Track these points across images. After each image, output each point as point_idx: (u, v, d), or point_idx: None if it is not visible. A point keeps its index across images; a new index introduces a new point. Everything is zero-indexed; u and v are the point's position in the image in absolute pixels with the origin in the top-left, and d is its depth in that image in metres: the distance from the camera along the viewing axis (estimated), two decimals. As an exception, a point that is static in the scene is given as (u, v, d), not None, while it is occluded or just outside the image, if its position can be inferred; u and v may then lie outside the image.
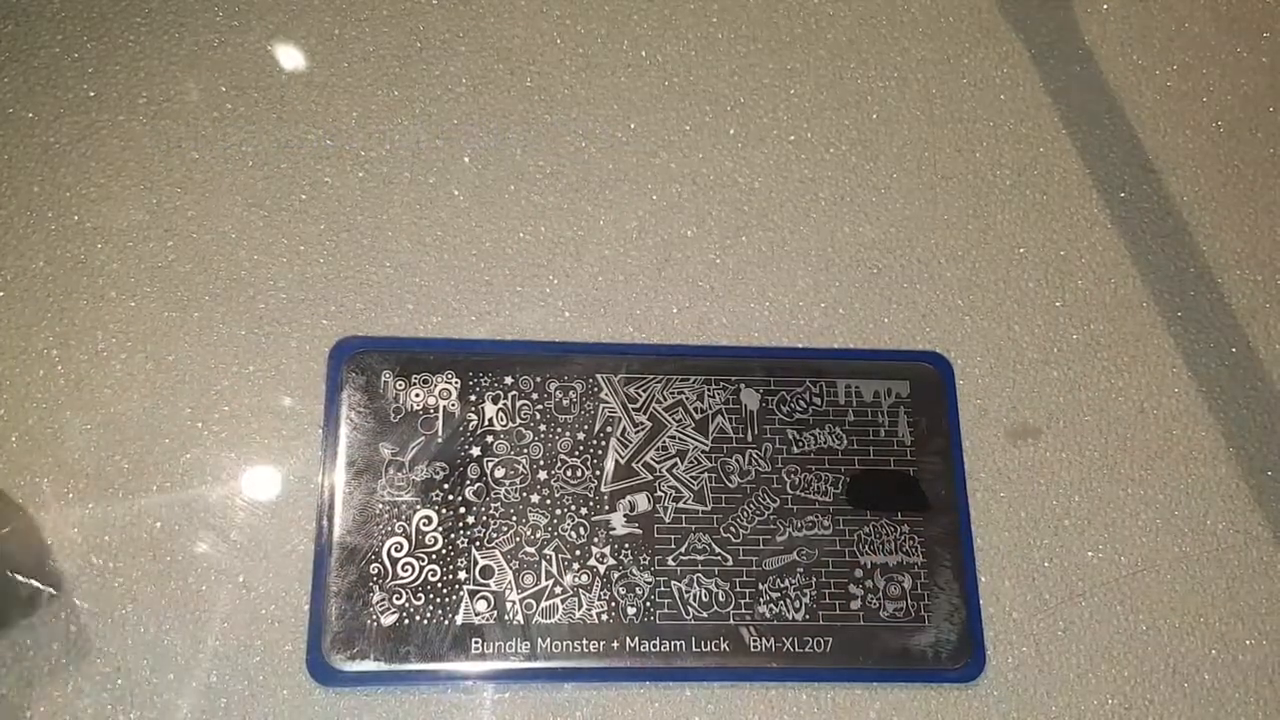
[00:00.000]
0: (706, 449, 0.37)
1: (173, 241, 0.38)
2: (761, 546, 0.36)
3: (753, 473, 0.37)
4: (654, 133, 0.41)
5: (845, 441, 0.38)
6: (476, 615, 0.35)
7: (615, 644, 0.35)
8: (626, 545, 0.36)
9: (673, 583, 0.36)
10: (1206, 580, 0.39)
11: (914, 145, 0.42)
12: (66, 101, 0.39)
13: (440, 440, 0.36)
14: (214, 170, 0.39)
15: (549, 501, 0.36)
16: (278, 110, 0.40)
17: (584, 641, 0.35)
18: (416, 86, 0.41)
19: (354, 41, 0.41)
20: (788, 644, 0.36)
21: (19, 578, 0.34)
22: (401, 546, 0.35)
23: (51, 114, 0.39)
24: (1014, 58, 0.44)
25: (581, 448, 0.37)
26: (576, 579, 0.36)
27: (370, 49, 0.41)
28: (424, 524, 0.35)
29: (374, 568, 0.35)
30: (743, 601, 0.36)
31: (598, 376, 0.38)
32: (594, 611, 0.35)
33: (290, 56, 0.41)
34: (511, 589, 0.35)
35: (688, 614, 0.36)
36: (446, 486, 0.36)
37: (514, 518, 0.36)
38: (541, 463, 0.36)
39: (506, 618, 0.35)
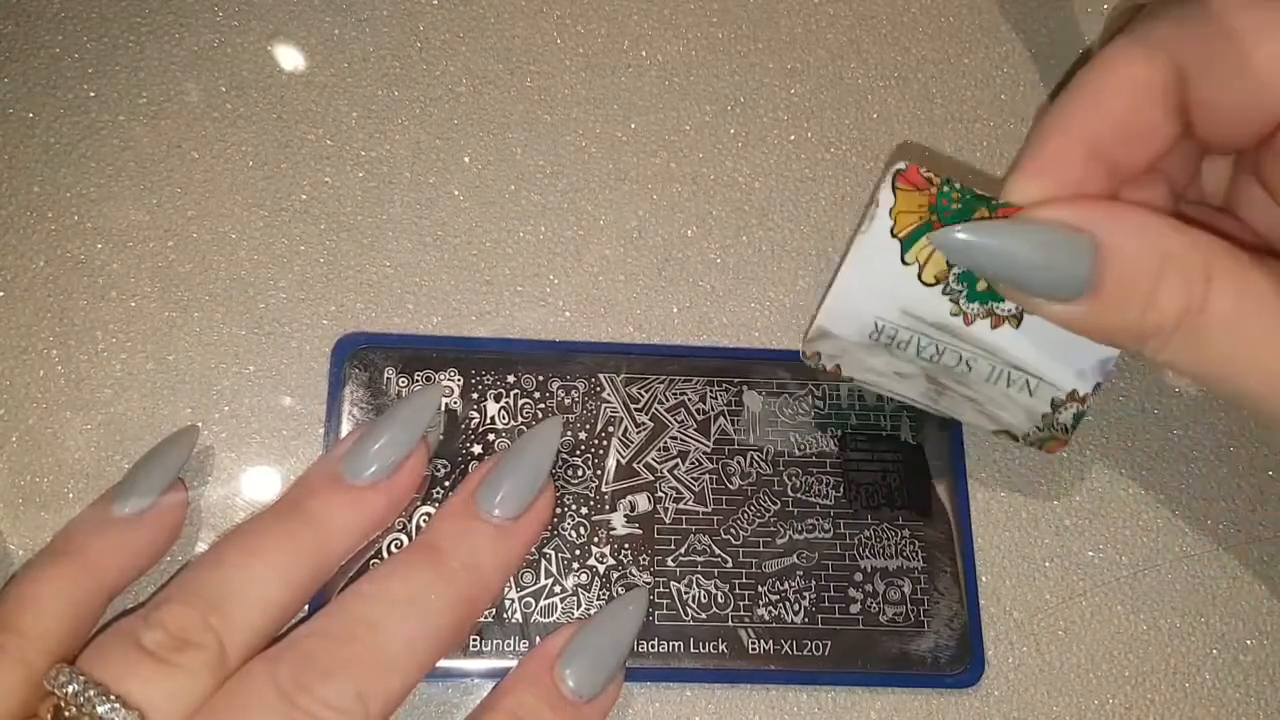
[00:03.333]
0: (708, 450, 0.37)
1: (173, 241, 0.38)
2: (761, 549, 0.36)
3: (754, 475, 0.37)
4: (654, 133, 0.41)
5: (846, 444, 0.38)
6: (478, 615, 0.35)
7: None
8: (626, 545, 0.36)
9: (672, 584, 0.36)
10: (1206, 580, 0.38)
11: (914, 145, 0.42)
12: (66, 101, 0.39)
13: (442, 437, 0.36)
14: (214, 170, 0.39)
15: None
16: (278, 110, 0.40)
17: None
18: (417, 86, 0.41)
19: (354, 41, 0.41)
20: (786, 646, 0.36)
21: None
22: (402, 544, 0.35)
23: (51, 114, 0.39)
24: (1014, 58, 0.44)
25: (583, 447, 0.37)
26: (576, 579, 0.36)
27: (370, 49, 0.41)
28: (424, 521, 0.35)
29: (376, 565, 0.35)
30: (742, 604, 0.36)
31: (600, 376, 0.38)
32: (593, 611, 0.35)
33: (290, 56, 0.41)
34: (510, 587, 0.35)
35: (687, 615, 0.36)
36: (448, 484, 0.36)
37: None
38: (551, 468, 0.36)
39: (505, 616, 0.35)
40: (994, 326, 0.33)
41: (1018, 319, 0.33)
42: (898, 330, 0.33)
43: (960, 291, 0.33)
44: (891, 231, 0.32)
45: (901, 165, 0.31)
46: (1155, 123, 0.30)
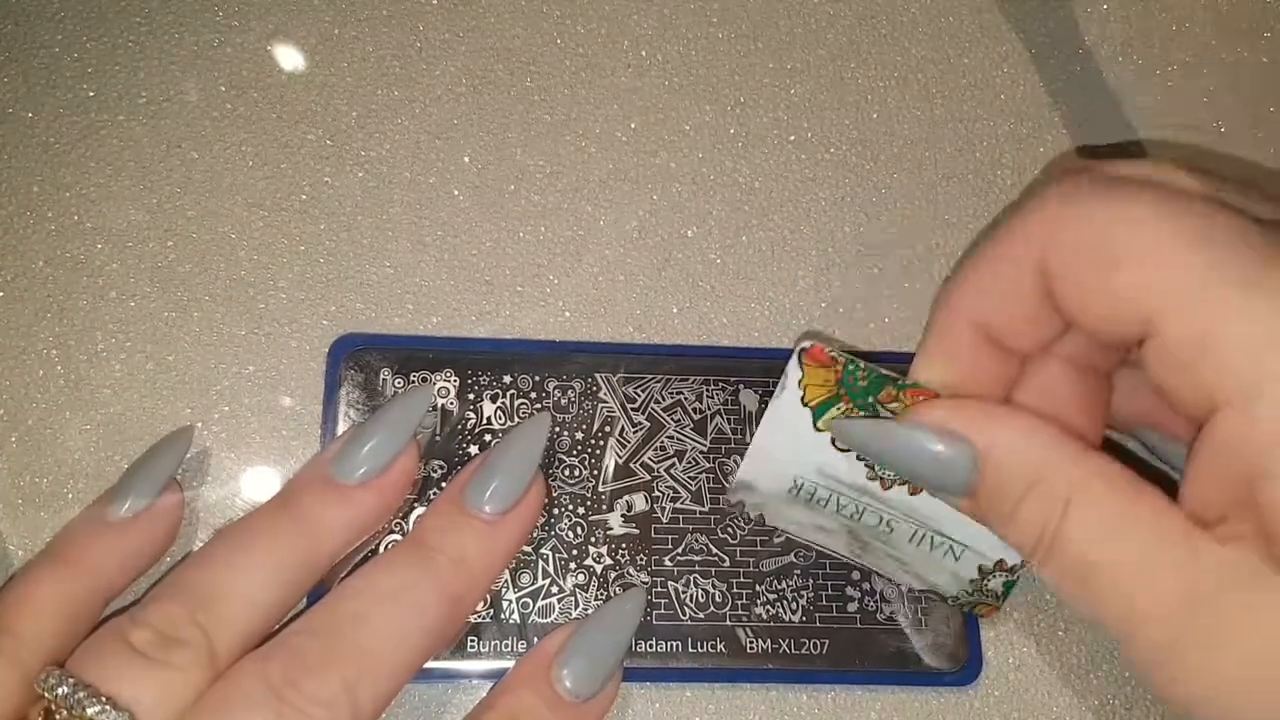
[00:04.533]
0: (705, 449, 0.37)
1: (173, 241, 0.38)
2: (759, 548, 0.36)
3: (751, 474, 0.37)
4: (654, 133, 0.41)
5: (845, 443, 0.38)
6: (473, 613, 0.35)
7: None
8: (624, 545, 0.36)
9: (670, 583, 0.36)
10: (1207, 580, 0.38)
11: (914, 145, 0.42)
12: (66, 101, 0.39)
13: (438, 438, 0.37)
14: (214, 170, 0.39)
15: (546, 500, 0.36)
16: (278, 110, 0.40)
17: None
18: (417, 86, 0.41)
19: (354, 41, 0.41)
20: (785, 645, 0.36)
21: None
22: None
23: (51, 114, 0.39)
24: (1014, 58, 0.44)
25: (580, 447, 0.37)
26: (573, 579, 0.36)
27: (370, 49, 0.41)
28: (422, 522, 0.35)
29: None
30: (739, 603, 0.36)
31: (596, 376, 0.38)
32: (590, 612, 0.35)
33: (290, 56, 0.41)
34: (508, 588, 0.35)
35: (684, 615, 0.36)
36: (444, 485, 0.36)
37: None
38: (540, 462, 0.36)
39: (503, 616, 0.35)
40: (912, 492, 0.33)
41: None
42: (816, 488, 0.33)
43: None
44: (802, 400, 0.32)
45: (806, 344, 0.32)
46: (1031, 319, 0.30)
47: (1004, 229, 0.30)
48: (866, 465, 0.32)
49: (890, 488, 0.33)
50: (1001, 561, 0.33)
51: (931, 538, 0.33)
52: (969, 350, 0.31)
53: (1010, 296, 0.30)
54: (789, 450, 0.33)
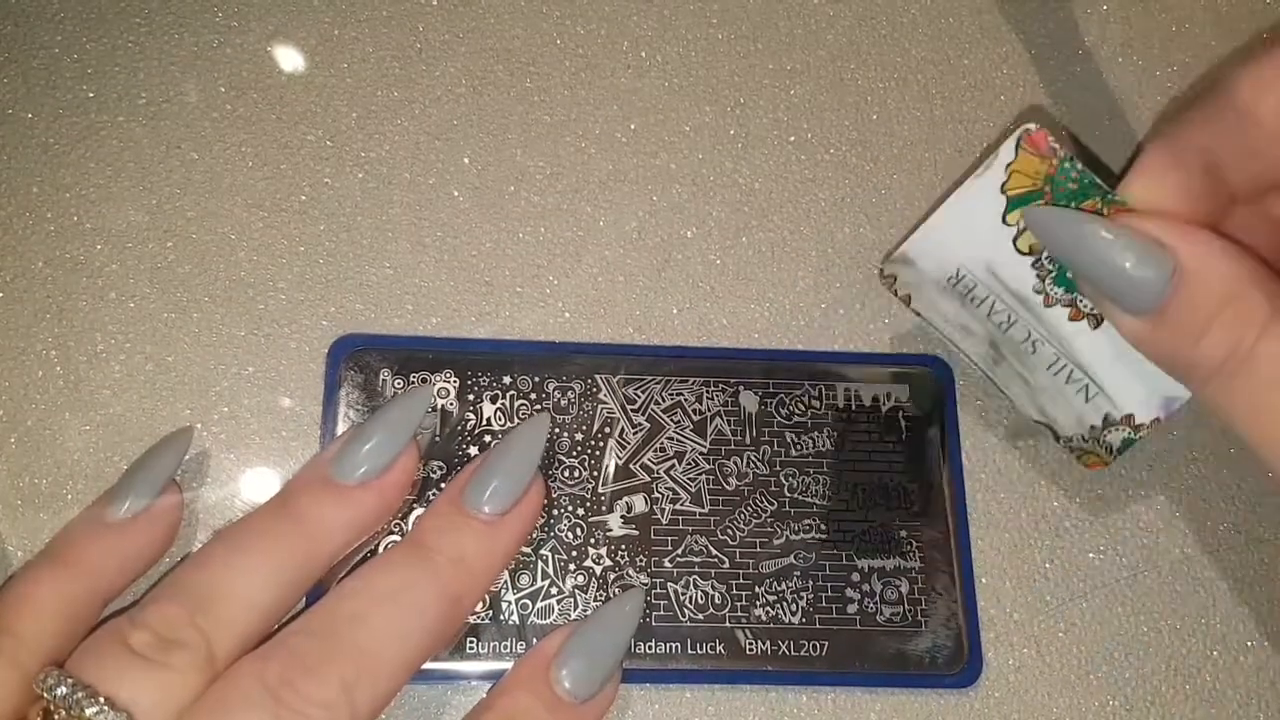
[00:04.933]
0: (705, 451, 0.37)
1: (173, 242, 0.38)
2: (758, 549, 0.36)
3: (750, 475, 0.37)
4: (654, 133, 0.41)
5: (843, 445, 0.38)
6: (472, 614, 0.35)
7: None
8: (623, 547, 0.36)
9: (669, 584, 0.36)
10: (1207, 581, 0.38)
11: (914, 145, 0.42)
12: (66, 101, 0.39)
13: (438, 439, 0.37)
14: (214, 171, 0.39)
15: (546, 502, 0.36)
16: (277, 111, 0.40)
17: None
18: (416, 86, 0.41)
19: (354, 42, 0.41)
20: (784, 647, 0.36)
21: None
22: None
23: (51, 114, 0.39)
24: (1014, 58, 0.44)
25: (579, 448, 0.37)
26: (573, 580, 0.36)
27: (370, 49, 0.41)
28: (421, 524, 0.35)
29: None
30: (739, 604, 0.36)
31: (596, 377, 0.38)
32: (589, 613, 0.35)
33: (290, 57, 0.41)
34: (507, 589, 0.35)
35: (684, 616, 0.36)
36: (443, 487, 0.36)
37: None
38: (539, 463, 0.36)
39: (502, 618, 0.35)
40: (1072, 319, 0.32)
41: (1098, 320, 0.32)
42: (976, 284, 0.32)
43: (1050, 271, 0.32)
44: (1002, 187, 0.31)
45: (1031, 127, 0.31)
46: (1258, 153, 0.31)
47: (1246, 64, 0.31)
48: (1037, 276, 0.32)
49: (1053, 306, 0.32)
50: (1130, 417, 0.32)
51: (1071, 370, 0.32)
52: (1188, 174, 0.31)
53: (1246, 124, 0.30)
54: (966, 235, 0.32)
